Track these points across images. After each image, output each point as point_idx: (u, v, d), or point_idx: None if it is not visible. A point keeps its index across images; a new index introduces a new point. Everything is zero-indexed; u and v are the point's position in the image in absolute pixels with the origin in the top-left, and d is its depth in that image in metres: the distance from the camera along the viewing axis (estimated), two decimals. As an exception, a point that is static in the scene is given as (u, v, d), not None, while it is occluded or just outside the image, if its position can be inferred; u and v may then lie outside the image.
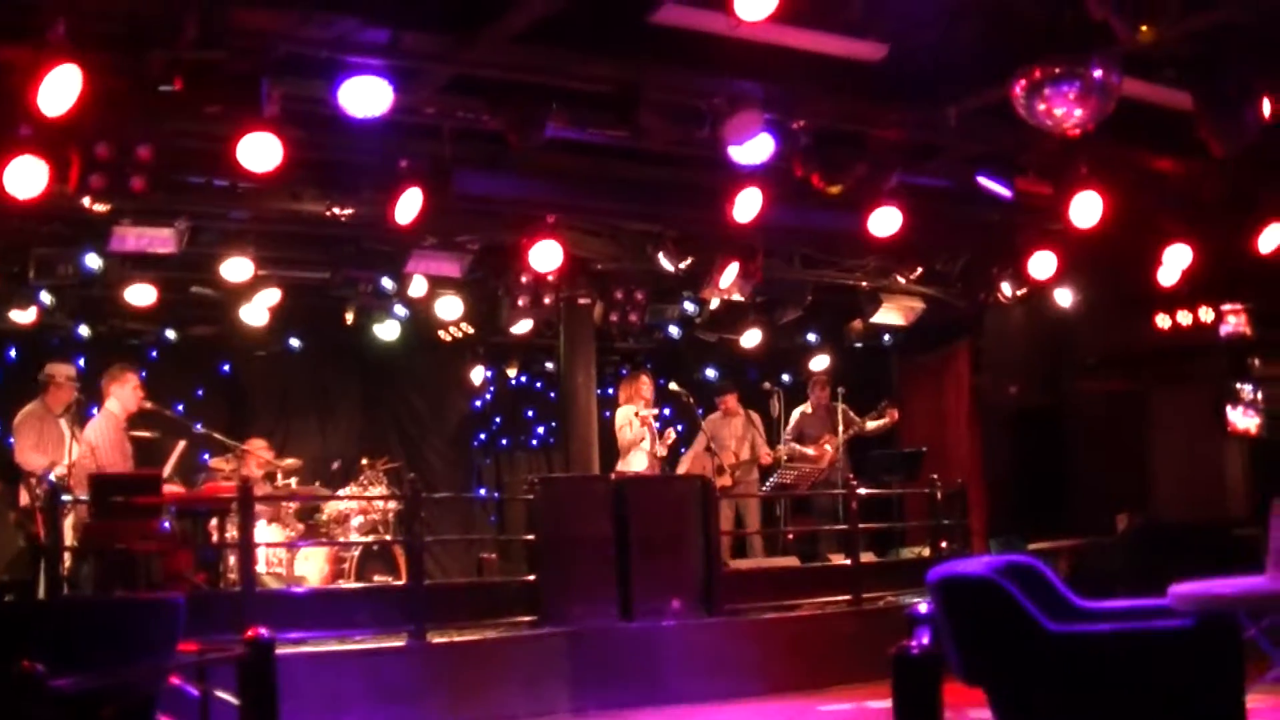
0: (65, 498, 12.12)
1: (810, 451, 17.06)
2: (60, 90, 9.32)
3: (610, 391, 17.66)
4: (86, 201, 11.39)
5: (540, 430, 21.16)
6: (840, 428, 16.92)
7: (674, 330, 17.95)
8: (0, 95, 9.86)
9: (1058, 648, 7.00)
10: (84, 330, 16.58)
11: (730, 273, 14.75)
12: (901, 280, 16.37)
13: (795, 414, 17.51)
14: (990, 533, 17.25)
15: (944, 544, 15.53)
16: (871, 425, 17.29)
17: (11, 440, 13.80)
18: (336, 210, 12.82)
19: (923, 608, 7.30)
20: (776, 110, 11.37)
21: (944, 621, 7.14)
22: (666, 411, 17.76)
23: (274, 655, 6.44)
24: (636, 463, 15.81)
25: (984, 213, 14.39)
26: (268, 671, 6.39)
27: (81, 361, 15.33)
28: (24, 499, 13.37)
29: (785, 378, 18.70)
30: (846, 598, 14.24)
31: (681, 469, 16.89)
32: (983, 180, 13.15)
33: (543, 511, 13.18)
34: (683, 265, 14.60)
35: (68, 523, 12.31)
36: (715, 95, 11.02)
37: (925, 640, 6.63)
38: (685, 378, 18.20)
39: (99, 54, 9.51)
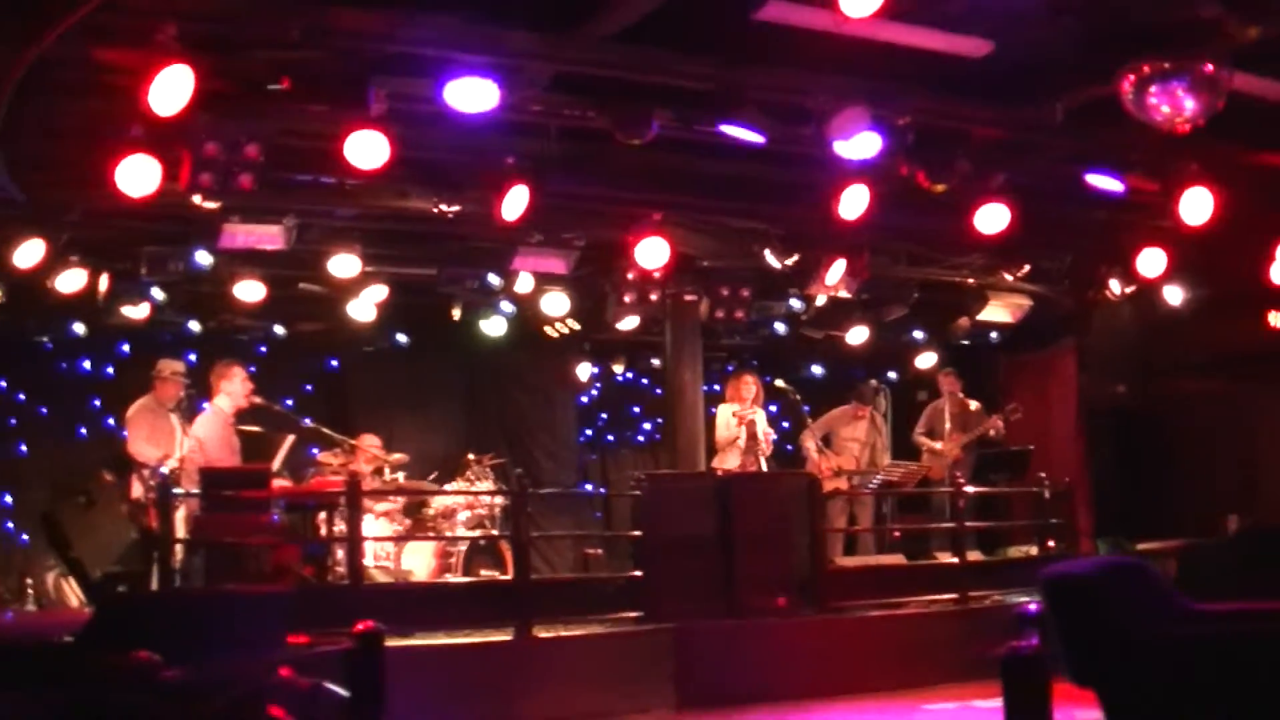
0: (176, 491, 12.32)
1: (913, 466, 17.03)
2: (170, 91, 9.49)
3: (716, 388, 17.75)
4: (196, 199, 11.53)
5: (646, 427, 21.05)
6: (970, 425, 16.89)
7: (780, 327, 17.94)
8: (113, 97, 10.11)
9: (1169, 651, 6.91)
10: (194, 326, 16.83)
11: (836, 270, 14.72)
12: (1008, 277, 16.13)
13: (927, 409, 17.60)
14: (1096, 533, 17.02)
15: (1050, 544, 15.40)
16: (1000, 424, 17.14)
17: (125, 433, 13.98)
18: (443, 207, 12.79)
19: (1032, 608, 7.22)
20: (881, 107, 11.32)
21: (1054, 622, 7.07)
22: (773, 408, 17.58)
23: (383, 648, 6.48)
24: (730, 461, 15.82)
25: (1091, 210, 14.24)
26: (376, 664, 6.44)
27: (192, 357, 15.61)
28: (136, 491, 13.50)
29: (891, 375, 18.72)
30: (952, 597, 14.15)
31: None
32: (1092, 177, 12.96)
33: (648, 508, 13.26)
34: (789, 262, 14.53)
35: (179, 515, 12.45)
36: (819, 92, 11.02)
37: (1035, 641, 6.48)
38: (790, 375, 18.10)
39: (207, 55, 9.66)
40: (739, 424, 15.85)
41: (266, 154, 10.89)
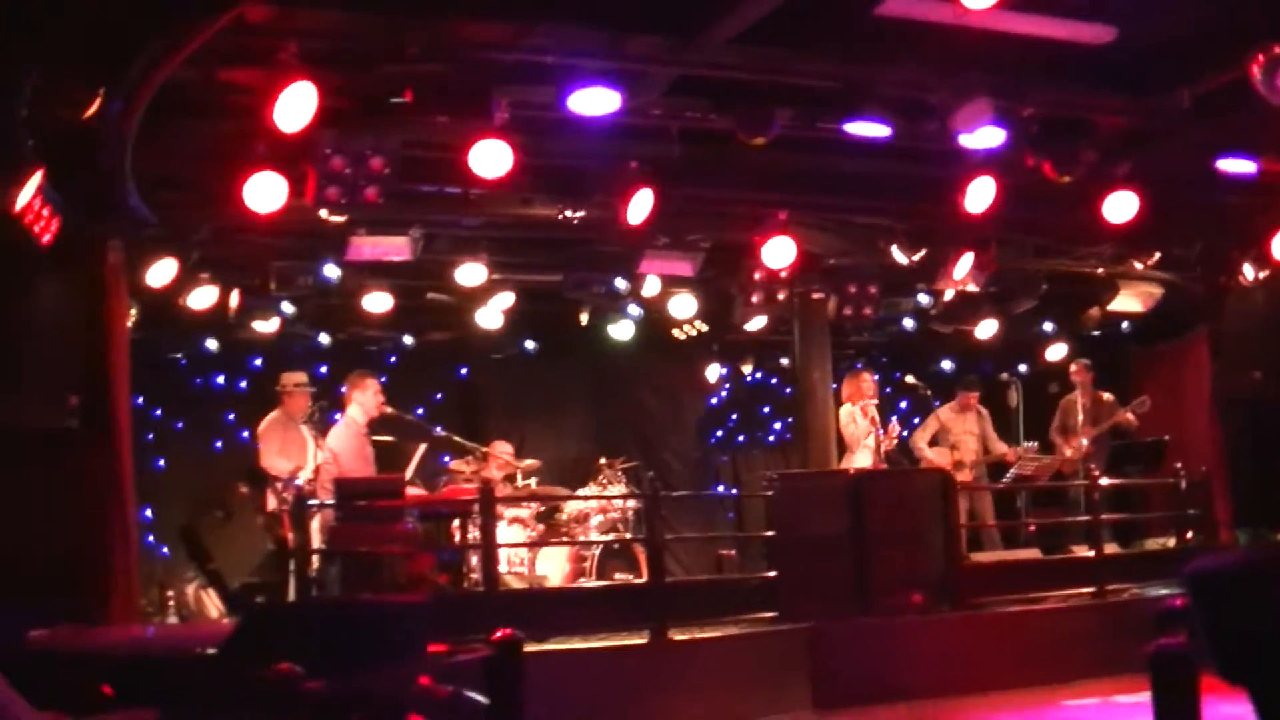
0: (311, 502, 12.40)
1: (1046, 459, 16.87)
2: (295, 108, 9.69)
3: None
4: (323, 213, 11.76)
5: (777, 426, 20.94)
6: (1102, 418, 16.67)
7: (908, 323, 17.93)
8: (239, 116, 10.33)
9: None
10: (324, 338, 17.16)
11: (964, 264, 14.65)
12: (1138, 266, 16.01)
13: (1060, 403, 17.39)
14: (1235, 523, 16.65)
15: (1189, 535, 15.17)
16: (1131, 416, 16.92)
17: (258, 447, 14.15)
18: (568, 213, 12.99)
19: (1176, 602, 7.07)
20: (1005, 99, 11.25)
21: (1200, 616, 6.89)
22: (903, 405, 17.63)
23: (522, 655, 6.49)
24: (861, 459, 15.73)
25: (1222, 195, 14.03)
26: (515, 671, 6.45)
27: (323, 369, 15.99)
28: (271, 503, 13.71)
29: (1021, 368, 18.49)
30: (1090, 590, 13.98)
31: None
32: (1222, 162, 12.78)
33: (781, 508, 13.23)
34: (916, 257, 14.51)
35: (314, 526, 12.58)
36: (942, 86, 10.97)
37: (1182, 637, 6.39)
38: (921, 370, 18.04)
39: (330, 71, 9.87)
40: (866, 420, 15.77)
41: (391, 166, 11.04)
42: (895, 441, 15.99)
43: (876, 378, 16.50)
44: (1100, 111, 11.89)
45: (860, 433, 15.78)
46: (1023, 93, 11.37)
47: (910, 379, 16.86)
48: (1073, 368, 17.52)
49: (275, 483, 13.80)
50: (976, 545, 16.26)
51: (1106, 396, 16.90)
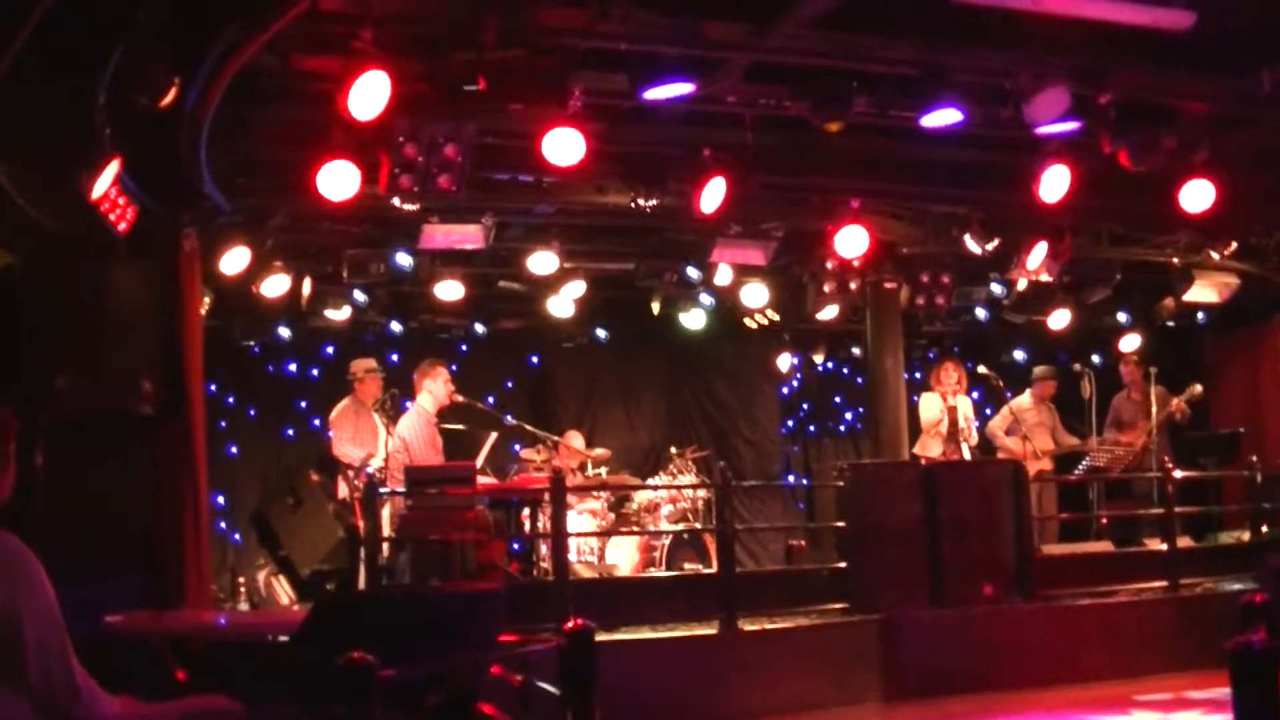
0: (382, 490, 12.47)
1: (1122, 439, 16.67)
2: (369, 95, 9.67)
3: (918, 375, 17.74)
4: (396, 201, 11.72)
5: (848, 416, 20.92)
6: (1154, 409, 16.41)
7: (981, 313, 17.73)
8: (313, 103, 10.38)
9: None
10: (396, 327, 17.12)
11: (1038, 253, 14.56)
12: (1215, 256, 15.84)
13: (1112, 401, 17.20)
14: (1313, 517, 16.52)
15: (1264, 529, 14.94)
16: (1183, 406, 16.68)
17: (330, 434, 14.30)
18: (641, 201, 12.93)
19: (1257, 597, 6.96)
20: (1081, 85, 11.10)
21: (1281, 611, 6.81)
22: (975, 395, 17.37)
23: (594, 646, 6.45)
24: (932, 449, 15.79)
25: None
26: (588, 662, 6.40)
27: (394, 357, 16.09)
28: (342, 491, 13.92)
29: (1095, 359, 18.28)
30: (1163, 584, 13.80)
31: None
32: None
33: (852, 498, 13.10)
34: (989, 247, 14.36)
35: (385, 514, 12.66)
36: (1020, 73, 10.86)
37: (1263, 633, 6.25)
38: (993, 361, 17.89)
39: (404, 59, 9.87)
40: (943, 412, 15.80)
41: (465, 154, 11.05)
42: (975, 435, 16.02)
43: (970, 366, 16.69)
44: (1179, 97, 11.75)
45: (934, 422, 15.83)
46: (1101, 78, 11.19)
47: (983, 369, 16.64)
48: (1122, 364, 17.41)
49: (346, 470, 13.97)
50: (1041, 537, 16.12)
51: (1158, 389, 16.60)
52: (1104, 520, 16.57)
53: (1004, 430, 16.73)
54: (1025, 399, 16.93)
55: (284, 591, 14.07)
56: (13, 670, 4.39)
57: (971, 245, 14.29)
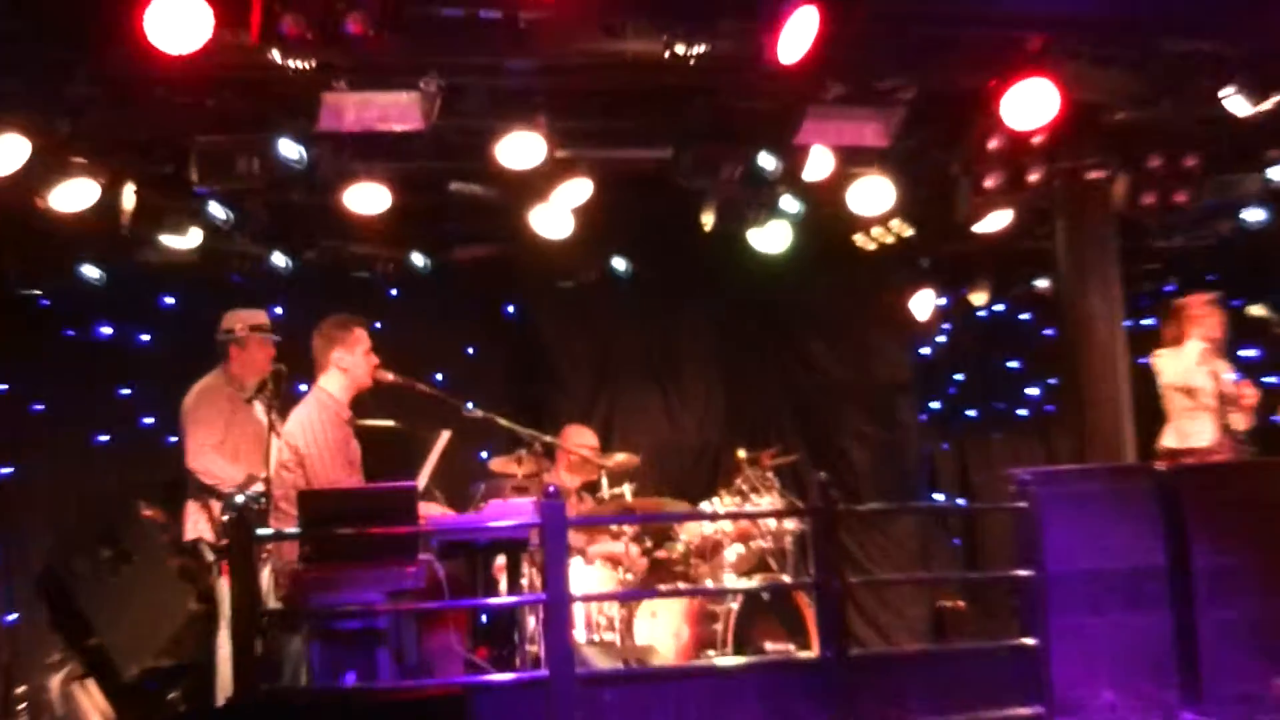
0: (262, 531, 10.80)
1: None
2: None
3: (1147, 323, 16.00)
4: (277, 56, 10.47)
5: (1032, 392, 19.17)
6: None
7: (1252, 217, 15.94)
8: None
9: None
10: (280, 260, 15.63)
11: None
12: None
13: None
14: None
15: None
16: None
17: (178, 438, 12.92)
18: (678, 49, 11.25)
19: None
20: None
21: None
22: (1252, 352, 15.67)
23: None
24: (1198, 436, 13.96)
25: None
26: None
27: (278, 310, 14.26)
28: (195, 531, 12.37)
29: None
30: None
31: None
32: None
33: (1041, 528, 11.27)
34: (1264, 106, 12.43)
35: (265, 572, 11.12)
36: None
37: None
38: (1274, 295, 15.80)
39: None
40: (1207, 377, 13.97)
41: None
42: (1250, 407, 14.29)
43: (1236, 304, 14.65)
44: None
45: (1186, 399, 14.01)
46: None
47: (1258, 310, 14.51)
48: None
49: (209, 501, 12.34)
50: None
51: None
52: None
53: None
54: None
55: (94, 706, 12.08)
56: None
57: (1233, 106, 12.48)
